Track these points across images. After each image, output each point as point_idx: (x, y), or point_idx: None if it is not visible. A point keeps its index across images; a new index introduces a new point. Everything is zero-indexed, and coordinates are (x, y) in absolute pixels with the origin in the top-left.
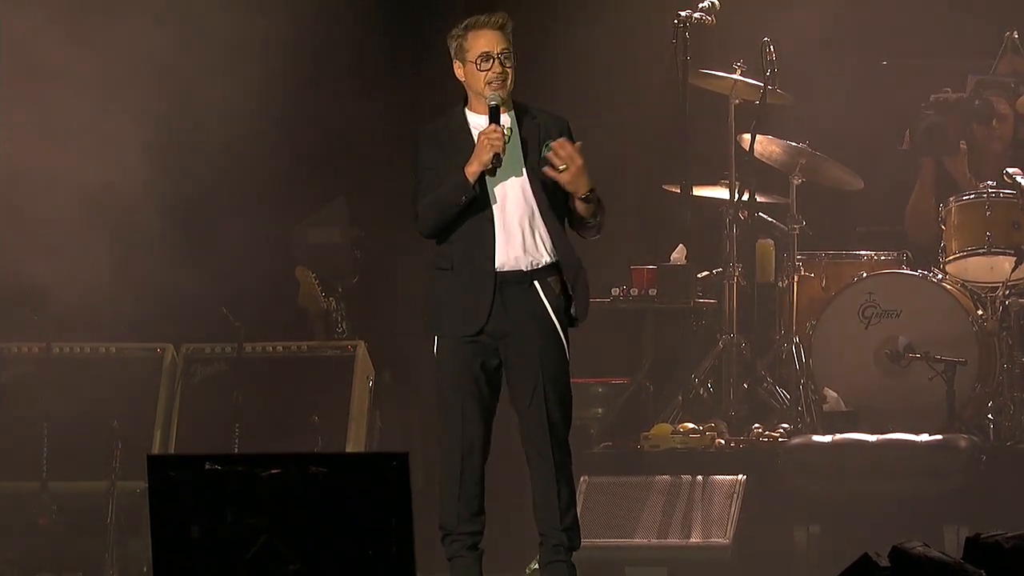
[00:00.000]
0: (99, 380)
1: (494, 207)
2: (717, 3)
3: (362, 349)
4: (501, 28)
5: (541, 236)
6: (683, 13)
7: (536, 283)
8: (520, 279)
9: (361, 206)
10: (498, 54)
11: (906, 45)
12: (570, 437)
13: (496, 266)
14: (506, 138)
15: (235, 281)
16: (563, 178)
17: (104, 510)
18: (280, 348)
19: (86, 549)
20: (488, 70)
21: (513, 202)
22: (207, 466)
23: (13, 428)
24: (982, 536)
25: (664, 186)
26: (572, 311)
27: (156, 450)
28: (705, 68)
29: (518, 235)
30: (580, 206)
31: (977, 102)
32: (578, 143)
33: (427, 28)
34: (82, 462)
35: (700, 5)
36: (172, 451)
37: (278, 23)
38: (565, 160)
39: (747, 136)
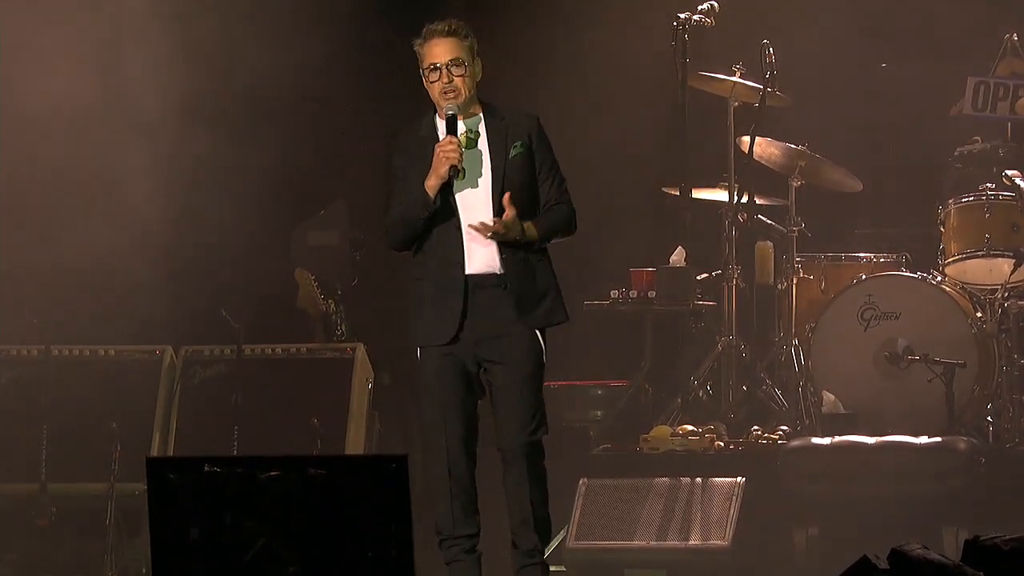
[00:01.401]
0: (98, 382)
1: (460, 214)
2: (716, 5)
3: (361, 351)
4: (452, 34)
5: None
6: (682, 15)
7: (509, 285)
8: (494, 282)
9: (361, 208)
10: (447, 64)
11: (905, 47)
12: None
13: (466, 272)
14: (463, 145)
15: (235, 283)
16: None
17: (103, 512)
18: (279, 350)
19: (85, 551)
20: (436, 81)
21: (479, 207)
22: (206, 468)
23: (13, 430)
24: (981, 538)
25: (663, 188)
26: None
27: (155, 452)
28: (704, 70)
29: (486, 240)
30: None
31: (1002, 152)
32: (505, 217)
33: None
34: (81, 464)
35: (699, 7)
36: (171, 453)
37: (277, 24)
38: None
39: (746, 138)
